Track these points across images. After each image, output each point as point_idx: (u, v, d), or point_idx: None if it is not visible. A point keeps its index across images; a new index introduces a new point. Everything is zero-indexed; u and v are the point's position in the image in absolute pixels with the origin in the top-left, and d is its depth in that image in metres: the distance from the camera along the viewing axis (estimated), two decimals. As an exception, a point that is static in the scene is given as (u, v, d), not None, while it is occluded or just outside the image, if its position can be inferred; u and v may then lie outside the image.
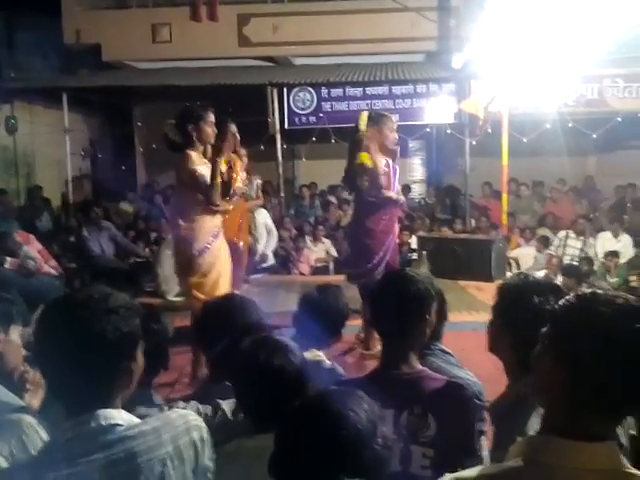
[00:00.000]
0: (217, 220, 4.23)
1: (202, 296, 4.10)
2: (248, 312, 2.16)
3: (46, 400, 1.89)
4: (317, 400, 1.31)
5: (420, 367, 1.94)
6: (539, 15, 7.47)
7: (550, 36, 7.53)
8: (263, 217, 7.73)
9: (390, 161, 4.73)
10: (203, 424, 1.49)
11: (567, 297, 1.19)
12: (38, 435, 1.68)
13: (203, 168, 4.02)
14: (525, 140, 8.63)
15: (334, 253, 8.66)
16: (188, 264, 4.13)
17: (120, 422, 1.38)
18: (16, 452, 1.64)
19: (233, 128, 5.24)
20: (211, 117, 4.12)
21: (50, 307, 1.37)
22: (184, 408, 1.88)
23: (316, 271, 8.43)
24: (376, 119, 4.70)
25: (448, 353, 2.31)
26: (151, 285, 6.94)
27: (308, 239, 8.70)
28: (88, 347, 1.30)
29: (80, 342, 1.30)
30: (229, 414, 1.91)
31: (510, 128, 8.22)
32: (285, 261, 8.48)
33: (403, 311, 1.91)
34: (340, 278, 6.38)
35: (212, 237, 4.17)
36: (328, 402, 1.29)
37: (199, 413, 1.89)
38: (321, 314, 2.72)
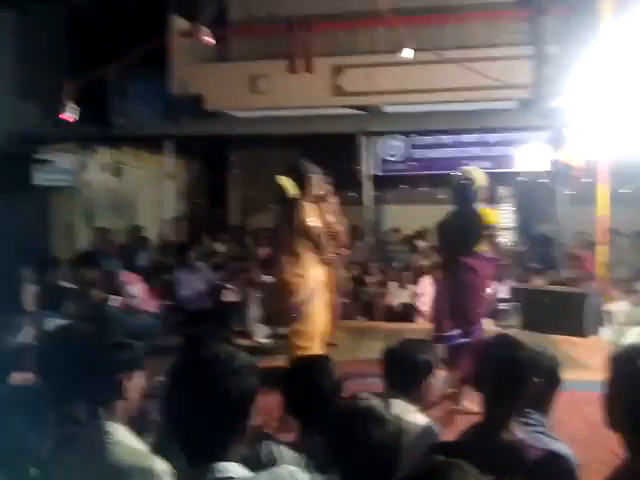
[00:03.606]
0: (321, 270, 4.37)
1: (302, 343, 4.26)
2: (332, 375, 2.24)
3: (165, 443, 2.00)
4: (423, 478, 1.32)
5: (521, 435, 1.95)
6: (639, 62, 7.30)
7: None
8: None
9: None
10: None
11: None
12: None
13: (315, 219, 4.23)
14: (623, 190, 8.33)
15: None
16: (292, 311, 4.29)
17: (233, 475, 1.47)
18: None
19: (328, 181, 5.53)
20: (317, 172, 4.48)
21: (181, 362, 1.50)
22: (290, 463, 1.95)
23: (399, 317, 8.36)
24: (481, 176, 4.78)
25: (543, 425, 2.27)
26: (240, 326, 7.12)
27: (393, 284, 8.69)
28: (212, 404, 1.42)
29: (206, 399, 1.42)
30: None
31: (607, 177, 7.96)
32: (368, 307, 8.49)
33: (508, 377, 1.93)
34: (423, 326, 6.29)
35: (315, 286, 4.32)
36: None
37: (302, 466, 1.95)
38: (407, 368, 2.74)
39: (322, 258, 4.32)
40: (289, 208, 4.30)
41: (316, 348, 4.40)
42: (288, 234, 4.30)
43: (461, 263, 4.70)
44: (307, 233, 4.23)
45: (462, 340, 4.67)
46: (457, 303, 4.69)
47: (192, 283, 8.52)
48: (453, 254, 4.76)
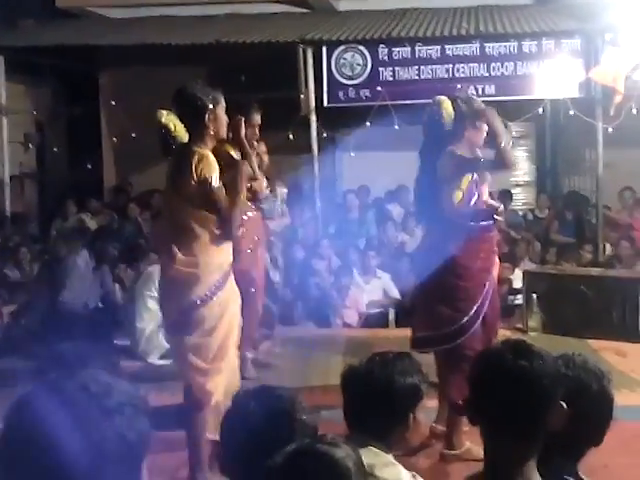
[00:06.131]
0: (229, 252, 4.31)
1: (203, 364, 4.22)
2: (298, 418, 2.25)
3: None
4: None
5: (542, 482, 1.96)
6: None
7: None
8: None
9: None
10: None
11: None
12: None
13: (218, 177, 4.16)
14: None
15: (395, 294, 8.66)
16: (185, 317, 4.20)
17: None
18: None
19: (257, 119, 5.53)
20: (223, 102, 4.33)
21: (25, 399, 1.37)
22: None
23: (369, 321, 8.43)
24: (466, 108, 4.78)
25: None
26: (124, 340, 7.01)
27: (356, 272, 8.73)
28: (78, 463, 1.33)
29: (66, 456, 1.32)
30: None
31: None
32: (322, 306, 8.51)
33: (521, 400, 1.94)
34: (406, 334, 6.38)
35: (221, 277, 4.25)
36: None
37: None
38: (382, 399, 2.74)
39: (227, 235, 4.26)
40: (179, 160, 4.24)
41: (227, 372, 4.33)
42: (176, 201, 4.26)
43: (435, 232, 4.91)
44: (208, 199, 4.15)
45: (441, 346, 4.77)
46: (431, 290, 4.81)
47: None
48: (426, 220, 5.00)
